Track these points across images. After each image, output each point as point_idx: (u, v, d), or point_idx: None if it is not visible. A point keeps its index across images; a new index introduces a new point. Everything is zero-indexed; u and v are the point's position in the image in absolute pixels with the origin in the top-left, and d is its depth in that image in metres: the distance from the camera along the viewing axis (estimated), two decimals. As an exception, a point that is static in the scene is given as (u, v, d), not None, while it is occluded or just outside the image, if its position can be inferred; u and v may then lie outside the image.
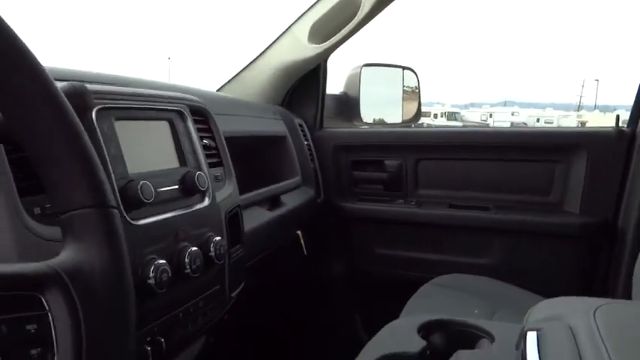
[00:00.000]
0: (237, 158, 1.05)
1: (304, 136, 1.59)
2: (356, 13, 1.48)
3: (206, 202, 0.83)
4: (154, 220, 0.71)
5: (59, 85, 0.52)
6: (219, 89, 1.60)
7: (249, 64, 1.59)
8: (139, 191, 0.68)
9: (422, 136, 1.64)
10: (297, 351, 1.61)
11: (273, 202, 1.30)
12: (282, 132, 1.48)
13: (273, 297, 1.48)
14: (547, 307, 0.72)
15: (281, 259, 1.34)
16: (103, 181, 0.40)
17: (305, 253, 1.37)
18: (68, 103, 0.40)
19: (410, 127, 1.81)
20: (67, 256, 0.37)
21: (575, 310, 0.68)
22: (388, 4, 1.49)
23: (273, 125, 1.46)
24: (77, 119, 0.40)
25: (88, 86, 0.72)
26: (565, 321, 0.65)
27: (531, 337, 0.63)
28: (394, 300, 1.23)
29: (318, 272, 1.60)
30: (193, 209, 0.80)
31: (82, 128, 0.41)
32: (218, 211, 0.86)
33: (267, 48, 1.59)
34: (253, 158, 1.40)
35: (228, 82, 1.60)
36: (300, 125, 1.60)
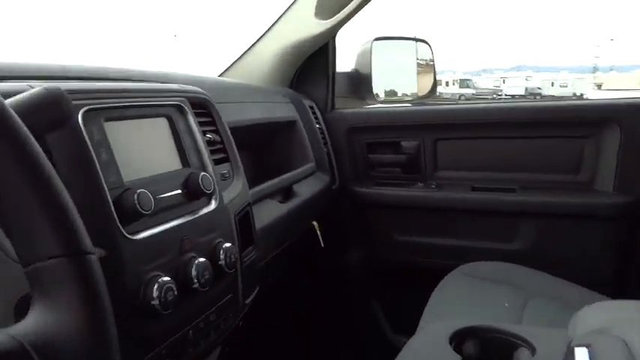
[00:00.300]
0: (244, 148, 0.97)
1: (315, 118, 1.51)
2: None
3: (212, 205, 0.76)
4: (155, 232, 0.64)
5: (30, 92, 0.45)
6: (222, 74, 1.52)
7: (253, 45, 1.50)
8: (136, 201, 0.61)
9: (440, 115, 1.55)
10: (318, 344, 1.56)
11: (286, 192, 1.23)
12: (292, 116, 1.39)
13: (289, 291, 1.42)
14: (594, 315, 0.65)
15: (295, 251, 1.27)
16: (73, 222, 0.33)
17: (322, 245, 1.30)
18: (18, 122, 0.32)
19: (427, 104, 1.71)
20: (34, 320, 0.30)
21: (628, 320, 0.60)
22: None
23: (283, 109, 1.38)
24: (33, 144, 0.32)
25: (72, 85, 0.65)
26: (618, 334, 0.58)
27: (581, 355, 0.56)
28: (416, 289, 1.17)
29: (335, 262, 1.53)
30: (199, 215, 0.73)
31: (39, 154, 0.33)
32: (227, 214, 0.79)
33: (272, 27, 1.50)
34: (262, 147, 1.33)
35: (231, 65, 1.51)
36: (311, 107, 1.52)
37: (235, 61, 1.52)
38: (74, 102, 0.60)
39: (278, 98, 1.40)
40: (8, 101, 0.44)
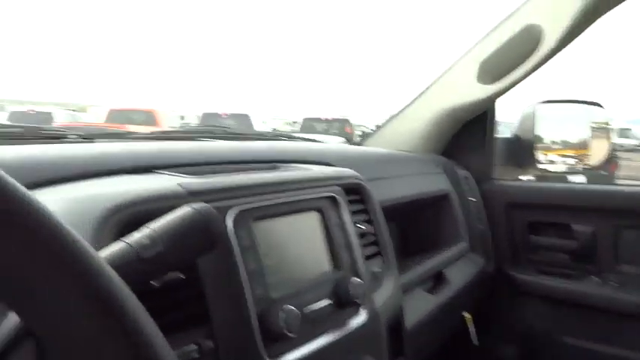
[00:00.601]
0: (387, 221, 0.87)
1: (470, 190, 1.36)
2: (535, 48, 1.23)
3: (362, 316, 0.66)
4: (300, 356, 0.55)
5: (180, 214, 0.39)
6: (367, 142, 1.44)
7: (402, 110, 1.41)
8: (283, 322, 0.53)
9: (624, 197, 1.29)
10: None
11: (436, 279, 1.10)
12: (445, 189, 1.27)
13: None
14: None
15: (442, 350, 1.11)
16: None
17: (475, 342, 1.13)
18: (109, 272, 0.25)
19: (606, 184, 1.47)
20: None
21: None
22: (577, 36, 1.22)
23: (435, 181, 1.26)
24: (118, 283, 0.25)
25: (220, 181, 0.59)
26: None
27: None
28: None
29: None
30: (347, 329, 0.63)
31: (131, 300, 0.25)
32: (377, 324, 0.69)
33: (425, 91, 1.40)
34: (408, 221, 1.21)
35: (378, 131, 1.43)
36: (466, 177, 1.37)
37: (382, 126, 1.44)
38: (223, 202, 0.55)
39: (430, 168, 1.29)
40: (151, 229, 0.38)
